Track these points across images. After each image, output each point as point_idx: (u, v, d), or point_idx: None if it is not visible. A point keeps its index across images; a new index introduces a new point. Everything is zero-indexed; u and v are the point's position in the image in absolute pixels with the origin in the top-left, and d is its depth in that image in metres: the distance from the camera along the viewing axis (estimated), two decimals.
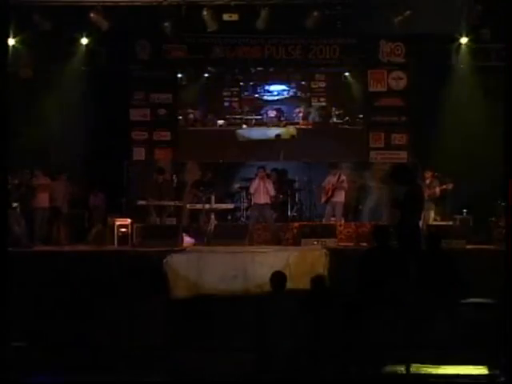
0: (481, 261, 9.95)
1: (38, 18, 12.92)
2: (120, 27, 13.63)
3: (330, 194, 13.19)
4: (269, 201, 12.74)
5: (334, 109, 15.39)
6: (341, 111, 15.37)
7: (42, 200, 12.81)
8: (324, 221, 13.25)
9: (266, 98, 15.56)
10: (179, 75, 15.37)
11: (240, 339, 7.74)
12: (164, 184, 13.39)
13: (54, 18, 13.05)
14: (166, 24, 13.48)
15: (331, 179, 13.32)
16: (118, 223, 12.35)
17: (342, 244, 12.18)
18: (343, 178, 13.35)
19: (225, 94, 15.55)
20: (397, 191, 10.08)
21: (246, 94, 15.59)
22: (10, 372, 6.31)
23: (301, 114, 15.47)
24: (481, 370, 6.93)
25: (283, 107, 15.53)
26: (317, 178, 14.15)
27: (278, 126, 15.42)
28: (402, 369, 7.01)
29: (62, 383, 6.91)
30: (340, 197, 13.24)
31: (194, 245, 12.27)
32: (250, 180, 13.31)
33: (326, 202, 13.28)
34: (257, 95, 15.57)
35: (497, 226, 11.81)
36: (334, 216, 13.16)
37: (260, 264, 9.95)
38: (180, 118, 15.40)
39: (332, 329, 6.73)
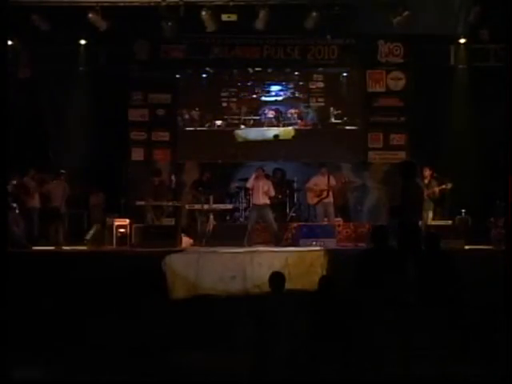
0: (479, 261, 9.96)
1: (38, 18, 12.93)
2: (119, 27, 13.64)
3: (325, 195, 13.14)
4: (268, 201, 12.70)
5: (332, 109, 15.37)
6: (339, 111, 15.35)
7: None
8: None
9: (264, 98, 15.54)
10: (178, 76, 15.37)
11: (239, 339, 7.73)
12: (161, 185, 13.41)
13: (53, 19, 13.08)
14: (165, 24, 13.48)
15: (320, 180, 13.27)
16: (116, 223, 12.35)
17: (341, 244, 12.18)
18: (332, 178, 13.34)
19: (223, 94, 15.52)
20: (395, 192, 10.08)
21: (244, 94, 15.56)
22: (10, 372, 6.30)
23: (299, 115, 15.46)
24: (481, 370, 6.93)
25: (281, 107, 15.50)
26: None
27: (276, 126, 15.41)
28: (401, 369, 7.01)
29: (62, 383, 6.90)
30: (330, 197, 13.21)
31: (193, 245, 12.27)
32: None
33: (318, 203, 13.24)
34: (255, 96, 15.55)
35: (495, 226, 11.84)
36: (326, 217, 13.13)
37: (259, 264, 9.94)
38: (179, 118, 15.39)
39: (336, 329, 6.72)
